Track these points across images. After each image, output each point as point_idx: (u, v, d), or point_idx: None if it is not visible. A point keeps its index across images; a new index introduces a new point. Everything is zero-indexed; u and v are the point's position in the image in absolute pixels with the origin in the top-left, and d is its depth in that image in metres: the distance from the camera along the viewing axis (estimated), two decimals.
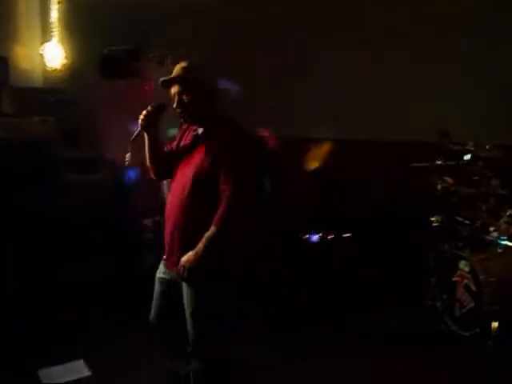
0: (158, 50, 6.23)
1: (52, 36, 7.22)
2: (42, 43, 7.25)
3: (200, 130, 2.93)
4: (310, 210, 5.33)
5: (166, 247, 2.96)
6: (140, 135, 2.98)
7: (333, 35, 5.67)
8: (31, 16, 7.23)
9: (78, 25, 7.12)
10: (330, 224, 5.31)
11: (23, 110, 5.88)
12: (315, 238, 5.35)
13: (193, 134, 2.96)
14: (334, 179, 5.30)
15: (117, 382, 3.83)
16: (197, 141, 2.92)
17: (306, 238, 5.33)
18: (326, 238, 5.38)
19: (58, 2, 7.20)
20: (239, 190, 2.77)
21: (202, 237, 2.76)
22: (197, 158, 2.86)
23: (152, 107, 2.91)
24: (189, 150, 2.94)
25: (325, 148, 4.93)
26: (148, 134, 2.97)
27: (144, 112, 2.90)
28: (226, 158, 2.78)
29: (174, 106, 2.87)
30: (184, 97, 2.86)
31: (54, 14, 7.24)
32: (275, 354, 4.08)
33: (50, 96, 5.52)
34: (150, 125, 2.93)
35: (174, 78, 2.90)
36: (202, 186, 2.81)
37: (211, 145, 2.84)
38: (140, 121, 2.90)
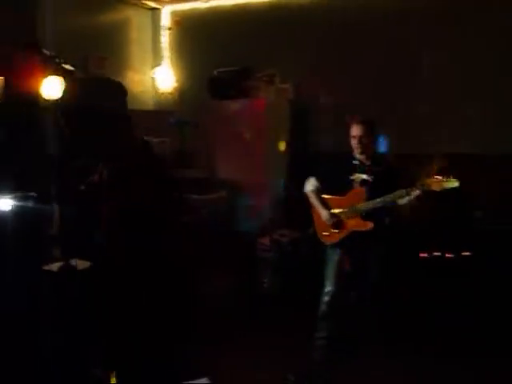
0: (266, 69, 6.36)
1: (163, 60, 7.50)
2: (153, 67, 7.53)
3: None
4: (430, 228, 5.15)
5: None
6: None
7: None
8: (143, 42, 7.54)
9: (188, 49, 7.36)
10: (450, 242, 5.10)
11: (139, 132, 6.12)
12: (433, 256, 5.16)
13: None
14: (456, 195, 5.13)
15: None
16: None
17: (425, 257, 5.15)
18: (444, 256, 5.18)
19: (169, 29, 7.48)
20: None
21: None
22: None
23: None
24: None
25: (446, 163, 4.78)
26: None
27: None
28: None
29: None
30: None
31: (165, 39, 7.52)
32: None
33: (165, 117, 5.70)
34: None
35: None
36: None
37: None
38: None
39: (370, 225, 3.95)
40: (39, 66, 3.81)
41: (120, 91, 3.12)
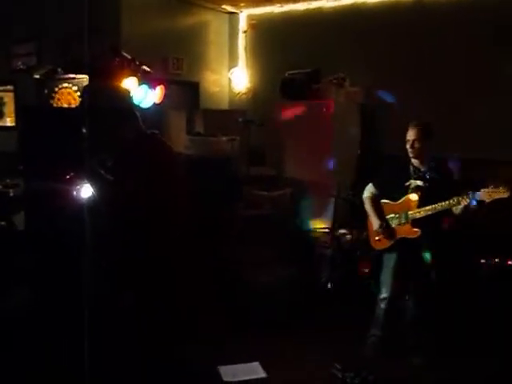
0: (337, 72, 6.51)
1: (239, 62, 7.81)
2: (230, 69, 7.86)
3: None
4: (490, 234, 5.10)
5: None
6: None
7: None
8: (220, 45, 7.88)
9: (262, 51, 7.63)
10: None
11: (212, 130, 6.45)
12: (491, 262, 5.11)
13: None
14: None
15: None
16: None
17: (483, 264, 5.11)
18: (505, 264, 5.12)
19: (244, 31, 7.78)
20: None
21: None
22: None
23: None
24: None
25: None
26: None
27: None
28: None
29: None
30: None
31: (240, 41, 7.83)
32: None
33: (237, 117, 5.97)
34: None
35: None
36: None
37: None
38: None
39: (417, 232, 3.97)
40: (120, 68, 4.17)
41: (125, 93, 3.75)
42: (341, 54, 6.69)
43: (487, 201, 3.68)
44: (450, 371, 4.11)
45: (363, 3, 6.65)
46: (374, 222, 4.21)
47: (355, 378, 3.83)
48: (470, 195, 3.72)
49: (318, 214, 6.00)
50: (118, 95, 3.61)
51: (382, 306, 4.18)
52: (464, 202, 3.74)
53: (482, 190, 3.69)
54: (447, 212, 3.90)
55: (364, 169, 6.31)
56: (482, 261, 5.11)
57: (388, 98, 6.15)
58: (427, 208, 3.90)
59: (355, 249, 5.42)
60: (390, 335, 4.26)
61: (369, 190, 4.32)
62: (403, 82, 6.26)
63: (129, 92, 3.82)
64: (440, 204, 3.84)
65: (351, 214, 5.83)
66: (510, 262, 5.14)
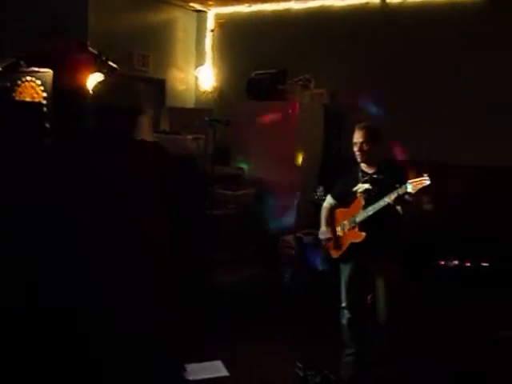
0: (303, 74, 6.56)
1: (205, 60, 7.81)
2: (197, 67, 7.85)
3: None
4: (451, 235, 5.20)
5: None
6: None
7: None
8: (188, 43, 7.86)
9: (229, 50, 7.64)
10: (470, 251, 5.16)
11: (178, 128, 6.42)
12: (451, 264, 5.23)
13: None
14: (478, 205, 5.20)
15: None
16: None
17: (442, 265, 5.23)
18: (463, 265, 5.25)
19: (211, 30, 7.78)
20: None
21: None
22: None
23: None
24: None
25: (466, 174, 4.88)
26: None
27: None
28: None
29: None
30: None
31: (208, 40, 7.83)
32: None
33: (203, 116, 5.95)
34: None
35: None
36: None
37: None
38: None
39: (362, 236, 3.89)
40: (86, 63, 4.12)
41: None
42: (307, 56, 6.76)
43: (413, 191, 3.57)
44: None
45: (331, 6, 6.75)
46: (320, 229, 4.26)
47: (316, 376, 3.87)
48: (399, 189, 3.63)
49: (281, 214, 6.04)
50: (130, 94, 3.05)
51: (343, 314, 4.13)
52: (393, 196, 3.65)
53: (409, 181, 3.60)
54: (394, 212, 3.77)
55: (326, 170, 6.38)
56: (442, 262, 5.25)
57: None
58: (368, 209, 3.83)
59: (317, 249, 5.48)
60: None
61: (327, 201, 4.32)
62: (369, 85, 6.34)
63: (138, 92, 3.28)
64: (377, 203, 3.76)
65: (315, 215, 5.89)
66: (468, 264, 5.28)
